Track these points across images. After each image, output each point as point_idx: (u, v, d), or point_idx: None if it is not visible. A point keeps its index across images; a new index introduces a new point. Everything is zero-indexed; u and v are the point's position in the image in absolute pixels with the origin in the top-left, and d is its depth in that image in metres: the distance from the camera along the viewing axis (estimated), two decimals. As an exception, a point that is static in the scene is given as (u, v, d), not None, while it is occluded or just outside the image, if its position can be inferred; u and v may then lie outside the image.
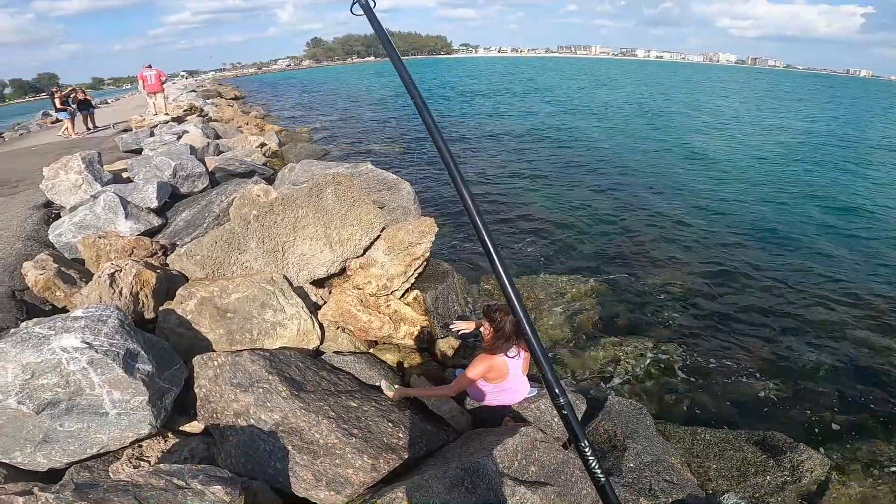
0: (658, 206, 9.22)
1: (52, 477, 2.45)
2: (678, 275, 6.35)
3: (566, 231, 7.80)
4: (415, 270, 4.48)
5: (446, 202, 9.13)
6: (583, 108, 24.66)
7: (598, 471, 1.23)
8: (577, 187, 10.40)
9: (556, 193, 9.93)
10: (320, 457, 2.47)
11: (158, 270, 3.73)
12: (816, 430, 3.81)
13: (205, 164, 6.81)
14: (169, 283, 3.75)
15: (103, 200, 4.78)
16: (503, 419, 2.94)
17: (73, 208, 5.10)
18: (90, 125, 14.04)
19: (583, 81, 48.60)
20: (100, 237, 4.20)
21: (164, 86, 14.64)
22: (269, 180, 6.61)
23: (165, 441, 2.69)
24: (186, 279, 3.88)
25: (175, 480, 1.86)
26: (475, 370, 2.71)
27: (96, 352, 2.46)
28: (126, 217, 4.77)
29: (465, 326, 3.48)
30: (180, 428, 2.86)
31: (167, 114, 13.80)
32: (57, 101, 12.99)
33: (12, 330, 2.73)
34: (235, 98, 30.84)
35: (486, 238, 1.35)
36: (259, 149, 9.21)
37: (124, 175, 6.78)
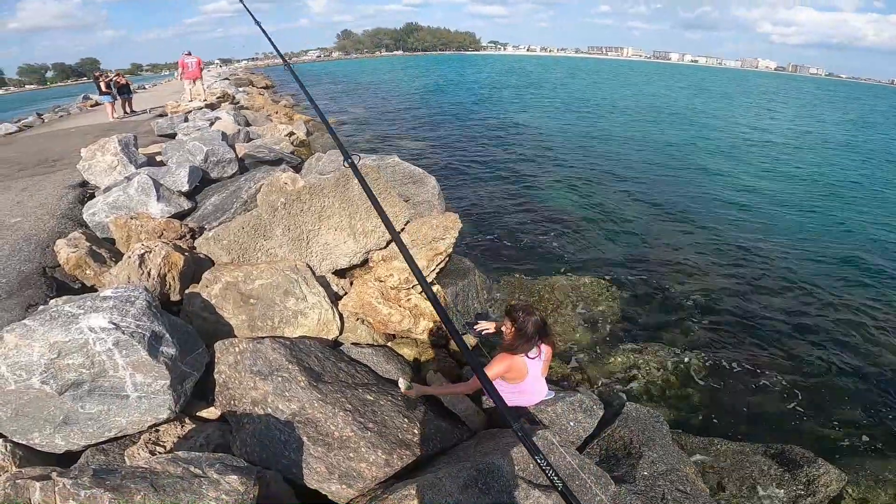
0: (687, 211, 8.98)
1: (67, 459, 2.45)
2: (704, 282, 6.22)
3: (591, 232, 7.66)
4: (437, 265, 4.43)
5: (471, 198, 9.06)
6: (613, 110, 24.17)
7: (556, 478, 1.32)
8: (604, 189, 10.21)
9: (584, 194, 9.76)
10: (334, 449, 2.46)
11: (186, 253, 3.77)
12: (836, 445, 3.76)
13: (235, 150, 6.90)
14: (195, 267, 3.79)
15: (137, 182, 4.88)
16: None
17: (108, 189, 5.22)
18: (128, 109, 14.45)
19: (614, 83, 47.65)
20: (132, 218, 4.28)
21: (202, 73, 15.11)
22: (297, 169, 6.65)
23: (182, 426, 2.67)
24: (212, 263, 3.92)
25: (192, 468, 1.86)
26: (494, 369, 2.69)
27: (123, 333, 2.44)
28: (158, 199, 4.86)
29: (488, 326, 3.44)
30: (197, 413, 2.85)
31: (204, 100, 14.11)
32: (102, 85, 13.41)
33: (41, 307, 2.75)
34: (266, 87, 31.28)
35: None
36: (287, 137, 9.30)
37: (158, 158, 6.93)
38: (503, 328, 2.85)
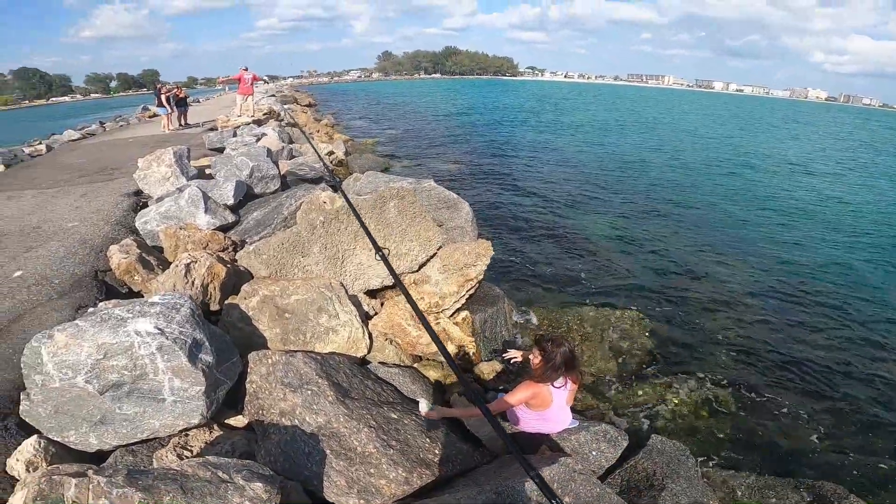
0: (725, 244, 8.74)
1: (97, 459, 2.53)
2: (740, 317, 6.07)
3: (624, 263, 7.54)
4: (467, 291, 4.46)
5: (504, 225, 9.09)
6: (651, 138, 23.88)
7: None
8: (640, 219, 10.05)
9: (618, 224, 9.64)
10: (356, 464, 2.49)
11: (228, 265, 3.94)
12: (869, 482, 3.62)
13: (278, 166, 7.21)
14: (236, 279, 3.95)
15: (188, 194, 5.15)
16: (540, 447, 2.94)
17: (160, 199, 5.53)
18: (183, 122, 15.21)
19: (653, 110, 47.17)
20: (180, 228, 4.52)
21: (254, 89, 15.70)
22: (335, 188, 6.87)
23: (210, 432, 2.73)
24: (251, 276, 4.08)
25: (220, 474, 1.90)
26: (517, 395, 2.73)
27: (167, 338, 2.53)
28: (205, 211, 5.11)
29: (516, 354, 3.46)
30: (225, 421, 2.93)
31: (252, 116, 14.75)
32: (162, 97, 14.12)
33: (91, 309, 2.87)
34: (309, 105, 32.61)
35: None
36: (327, 156, 9.63)
37: (207, 171, 7.30)
38: (530, 357, 2.87)
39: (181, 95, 15.10)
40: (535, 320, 5.37)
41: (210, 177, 6.86)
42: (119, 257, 4.12)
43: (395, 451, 2.58)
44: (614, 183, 13.22)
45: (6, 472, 2.45)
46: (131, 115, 21.10)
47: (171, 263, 4.19)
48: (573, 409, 3.07)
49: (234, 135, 10.75)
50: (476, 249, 4.45)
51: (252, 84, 15.17)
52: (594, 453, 2.93)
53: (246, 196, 6.26)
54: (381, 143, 17.96)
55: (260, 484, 1.88)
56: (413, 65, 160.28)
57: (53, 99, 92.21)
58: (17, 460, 2.43)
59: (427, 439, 2.79)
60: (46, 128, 23.70)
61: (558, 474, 2.39)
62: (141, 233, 5.10)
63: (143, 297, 3.72)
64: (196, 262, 3.74)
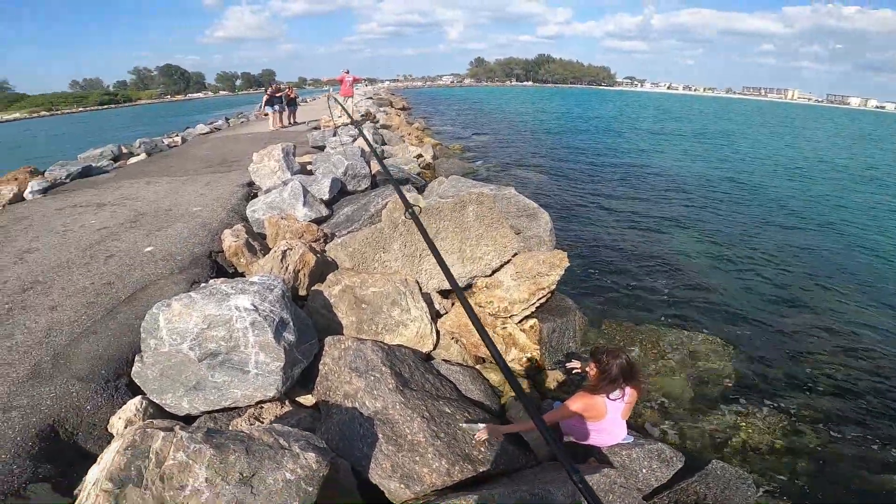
0: (837, 274, 7.69)
1: (186, 422, 2.74)
2: (838, 352, 5.35)
3: (714, 282, 6.98)
4: (538, 300, 4.46)
5: (583, 236, 8.83)
6: (763, 156, 21.62)
7: None
8: (737, 242, 9.17)
9: (711, 245, 8.88)
10: (403, 450, 2.62)
11: (318, 255, 4.32)
12: None
13: (370, 166, 7.69)
14: (323, 268, 4.32)
15: (291, 187, 5.72)
16: (588, 458, 2.93)
17: (268, 190, 6.19)
18: (292, 120, 16.60)
19: (771, 126, 42.59)
20: (282, 218, 5.04)
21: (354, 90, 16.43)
22: (420, 190, 7.18)
23: (281, 407, 2.93)
24: (336, 266, 4.43)
25: (281, 441, 2.07)
26: (572, 406, 2.74)
27: (259, 315, 2.77)
28: (304, 204, 5.63)
29: (577, 365, 3.46)
30: (296, 398, 3.14)
31: (350, 116, 15.70)
32: (266, 97, 15.42)
33: (202, 284, 3.25)
34: (403, 108, 34.04)
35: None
36: (416, 159, 10.05)
37: (308, 167, 8.00)
38: (587, 368, 2.87)
39: (292, 95, 16.46)
40: (607, 335, 5.19)
41: (310, 172, 7.52)
42: (230, 240, 4.69)
43: (441, 443, 2.69)
44: (714, 204, 12.18)
45: (106, 430, 2.76)
46: (250, 113, 23.61)
47: (270, 249, 4.69)
48: (631, 426, 3.00)
49: (335, 134, 11.61)
50: (551, 259, 4.43)
51: (352, 86, 15.65)
52: (644, 471, 2.83)
53: (339, 192, 6.77)
54: (468, 148, 18.24)
55: (313, 454, 2.02)
56: (505, 71, 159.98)
57: (190, 95, 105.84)
58: (119, 418, 2.71)
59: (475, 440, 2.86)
60: (182, 122, 27.36)
61: (597, 484, 2.38)
62: (249, 220, 5.73)
63: (246, 277, 4.19)
64: (291, 249, 4.15)
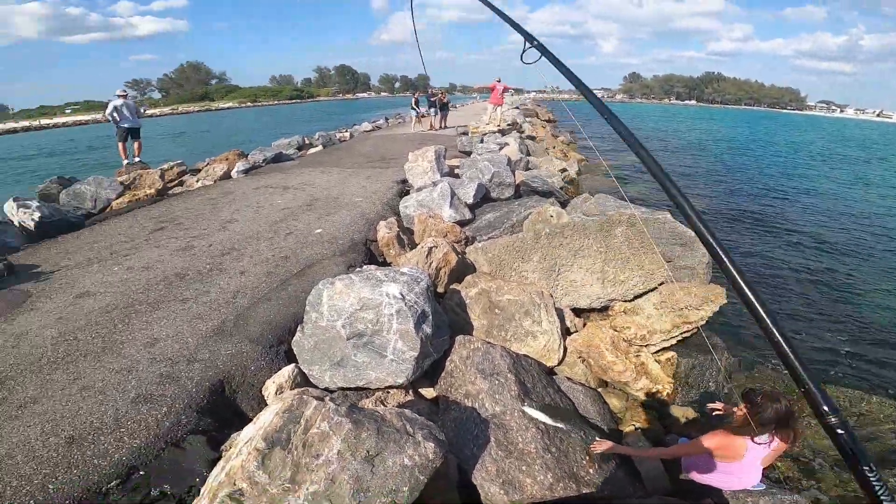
0: None
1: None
2: None
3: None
4: (681, 333, 4.09)
5: (752, 274, 7.73)
6: None
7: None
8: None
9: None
10: (511, 457, 2.63)
11: (459, 256, 4.52)
12: None
13: (514, 176, 7.78)
14: (462, 269, 4.51)
15: (440, 188, 6.09)
16: (703, 499, 2.65)
17: (419, 189, 6.67)
18: (443, 124, 17.60)
19: None
20: (430, 217, 5.39)
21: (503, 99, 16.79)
22: (563, 205, 7.03)
23: (405, 395, 3.03)
24: (474, 270, 4.58)
25: (408, 427, 2.15)
26: (707, 442, 2.49)
27: (405, 304, 2.96)
28: (450, 206, 5.95)
29: (718, 407, 3.08)
30: (419, 389, 3.24)
31: (498, 125, 16.09)
32: (413, 101, 17.07)
33: (358, 269, 3.54)
34: (549, 121, 33.56)
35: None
36: (560, 173, 9.87)
37: (455, 171, 8.41)
38: (735, 409, 2.57)
39: (444, 100, 17.52)
40: (753, 380, 4.57)
41: (457, 176, 7.88)
42: (384, 231, 5.16)
43: (551, 457, 2.65)
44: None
45: (260, 392, 2.93)
46: (407, 115, 25.65)
47: (416, 244, 5.05)
48: (766, 475, 2.65)
49: (482, 141, 12.00)
50: (705, 293, 4.01)
51: (503, 94, 15.91)
52: None
53: (483, 198, 6.98)
54: (615, 166, 17.28)
55: (432, 444, 2.09)
56: (663, 89, 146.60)
57: (358, 94, 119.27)
58: (273, 382, 2.90)
59: (586, 457, 2.78)
60: (350, 119, 30.88)
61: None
62: (401, 215, 6.24)
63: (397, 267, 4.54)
64: (436, 247, 4.42)
